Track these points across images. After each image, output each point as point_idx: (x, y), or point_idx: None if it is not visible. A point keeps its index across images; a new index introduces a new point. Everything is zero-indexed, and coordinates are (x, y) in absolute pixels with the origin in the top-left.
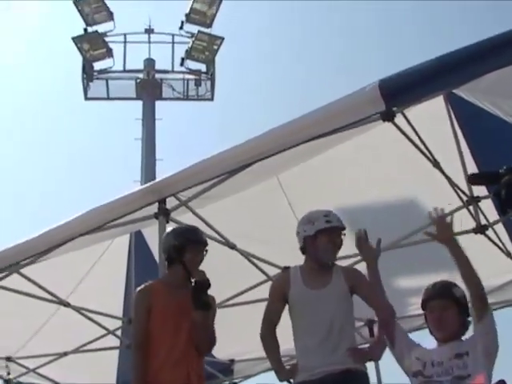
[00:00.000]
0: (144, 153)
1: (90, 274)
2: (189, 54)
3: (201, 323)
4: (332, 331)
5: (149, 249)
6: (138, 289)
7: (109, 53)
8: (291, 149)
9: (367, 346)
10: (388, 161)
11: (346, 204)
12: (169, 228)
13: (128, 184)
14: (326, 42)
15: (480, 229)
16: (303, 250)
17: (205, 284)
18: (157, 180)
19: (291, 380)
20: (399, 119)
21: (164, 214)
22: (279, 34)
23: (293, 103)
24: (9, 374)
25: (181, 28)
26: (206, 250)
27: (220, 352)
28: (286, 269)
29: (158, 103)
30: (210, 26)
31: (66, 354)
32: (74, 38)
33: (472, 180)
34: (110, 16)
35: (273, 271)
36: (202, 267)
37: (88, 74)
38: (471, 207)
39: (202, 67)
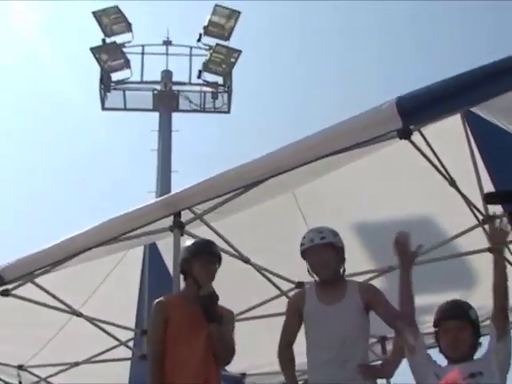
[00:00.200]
0: (160, 164)
1: (104, 285)
2: (206, 67)
3: (216, 335)
4: (343, 346)
5: (163, 261)
6: (156, 301)
7: (126, 64)
8: (307, 164)
9: (379, 363)
10: (403, 178)
11: (359, 220)
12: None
13: (142, 195)
14: (349, 58)
15: None
16: None
17: (210, 297)
18: (172, 193)
19: None
20: (416, 137)
21: (179, 227)
22: (298, 48)
23: (311, 117)
24: (20, 382)
25: (199, 40)
26: (219, 263)
27: (232, 366)
28: (300, 284)
29: (175, 115)
30: (227, 38)
31: (77, 364)
32: (92, 49)
33: (488, 199)
34: (129, 27)
35: (286, 286)
36: (215, 281)
37: (106, 84)
38: (487, 226)
39: (219, 80)
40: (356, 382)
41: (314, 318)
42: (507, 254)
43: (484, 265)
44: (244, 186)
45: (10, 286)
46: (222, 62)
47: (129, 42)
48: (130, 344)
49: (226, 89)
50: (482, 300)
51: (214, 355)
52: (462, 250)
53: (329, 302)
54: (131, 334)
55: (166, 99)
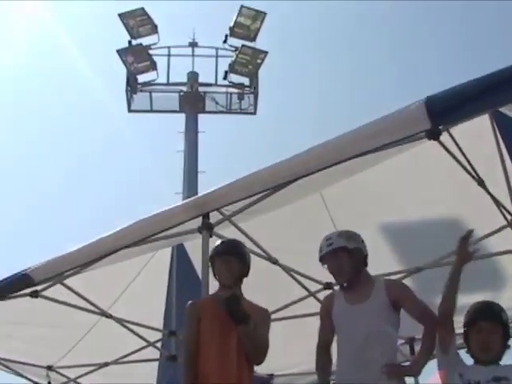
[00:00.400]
0: (186, 165)
1: (132, 286)
2: (232, 68)
3: (244, 336)
4: (365, 346)
5: (190, 262)
6: (188, 302)
7: (153, 65)
8: (335, 165)
9: (408, 363)
10: (432, 178)
11: (387, 221)
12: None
13: (170, 196)
14: (379, 56)
15: None
16: None
17: (231, 299)
18: (200, 194)
19: None
20: (444, 137)
21: (207, 229)
22: (324, 47)
23: (338, 117)
24: (49, 383)
25: (224, 42)
26: (241, 260)
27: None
28: (328, 284)
29: (201, 116)
30: (253, 39)
31: (106, 364)
32: (118, 51)
33: None
34: (155, 29)
35: (314, 287)
36: (244, 282)
37: (132, 86)
38: None
39: (245, 81)
40: (380, 382)
41: (341, 319)
42: None
43: None
44: (273, 187)
45: (39, 288)
46: (248, 63)
47: (155, 43)
48: (158, 345)
49: (252, 90)
50: (510, 301)
51: (245, 356)
52: (490, 250)
53: (355, 302)
54: (159, 335)
55: (192, 101)
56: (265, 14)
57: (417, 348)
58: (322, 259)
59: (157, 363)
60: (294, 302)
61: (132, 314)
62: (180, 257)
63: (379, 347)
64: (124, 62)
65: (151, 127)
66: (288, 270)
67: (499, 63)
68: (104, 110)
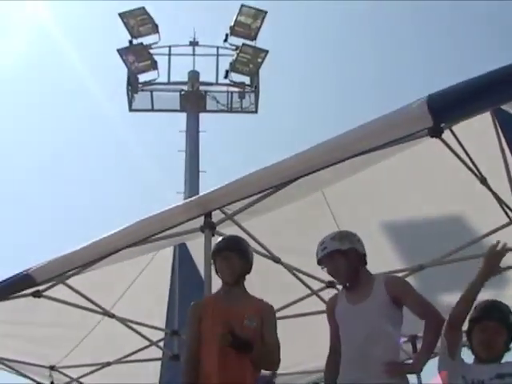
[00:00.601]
0: (188, 165)
1: (134, 286)
2: (233, 67)
3: (253, 359)
4: (365, 345)
5: (193, 261)
6: (192, 303)
7: (153, 65)
8: (337, 164)
9: (410, 361)
10: (434, 176)
11: (389, 219)
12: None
13: (171, 195)
14: (380, 55)
15: None
16: None
17: (229, 338)
18: (202, 193)
19: None
20: (446, 135)
21: (210, 228)
22: (325, 46)
23: (339, 116)
24: (52, 383)
25: (225, 41)
26: (242, 257)
27: None
28: (330, 283)
29: (202, 115)
30: (254, 38)
31: (109, 364)
32: (119, 50)
33: None
34: (155, 28)
35: (317, 285)
36: (246, 281)
37: (133, 85)
38: None
39: (246, 80)
40: (381, 381)
41: (343, 319)
42: None
43: None
44: (275, 186)
45: (41, 288)
46: (249, 61)
47: (155, 43)
48: (161, 344)
49: (253, 89)
50: None
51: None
52: None
53: (356, 301)
54: (162, 335)
55: (193, 100)
56: (265, 12)
57: (419, 346)
58: (320, 263)
59: (159, 363)
60: (297, 301)
61: (134, 313)
62: (182, 256)
63: (379, 347)
64: (125, 61)
65: (152, 127)
66: (290, 269)
67: (487, 64)
68: (104, 109)
